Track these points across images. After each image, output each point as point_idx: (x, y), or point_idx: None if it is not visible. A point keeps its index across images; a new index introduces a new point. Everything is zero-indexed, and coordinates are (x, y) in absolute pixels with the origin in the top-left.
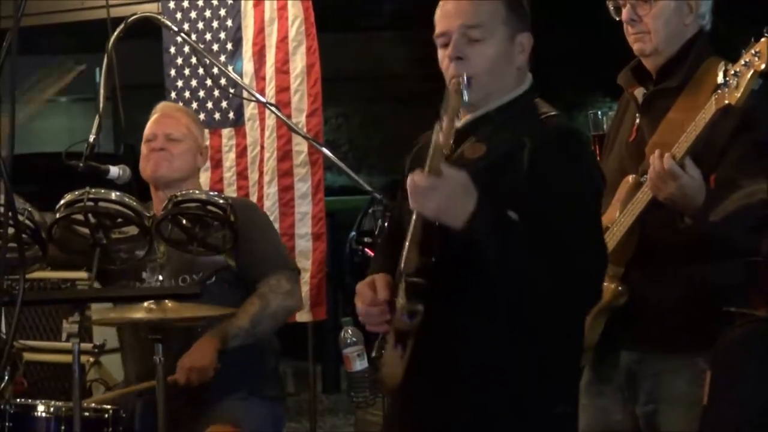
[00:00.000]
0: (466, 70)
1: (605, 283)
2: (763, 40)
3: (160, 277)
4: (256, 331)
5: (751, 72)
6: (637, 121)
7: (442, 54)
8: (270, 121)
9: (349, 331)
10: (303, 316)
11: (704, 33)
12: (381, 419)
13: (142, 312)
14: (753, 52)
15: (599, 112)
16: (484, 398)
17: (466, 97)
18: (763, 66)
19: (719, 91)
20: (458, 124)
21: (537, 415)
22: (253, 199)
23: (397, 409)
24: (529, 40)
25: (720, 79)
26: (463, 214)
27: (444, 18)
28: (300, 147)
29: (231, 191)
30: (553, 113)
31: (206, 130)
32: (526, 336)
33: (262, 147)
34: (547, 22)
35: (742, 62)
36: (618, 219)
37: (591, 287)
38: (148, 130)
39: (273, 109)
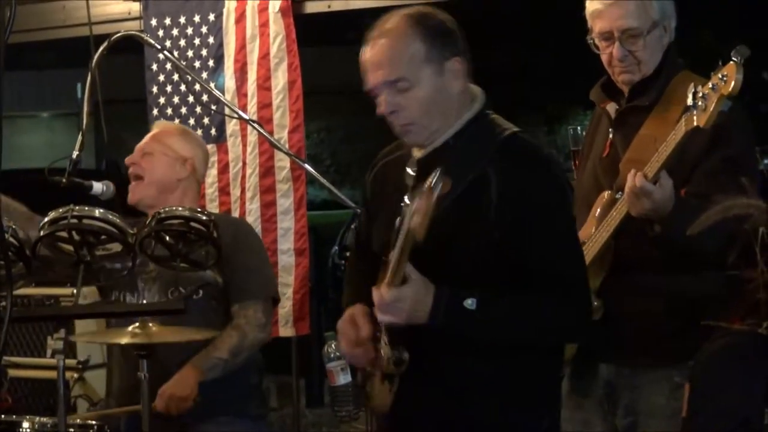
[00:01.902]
0: (403, 120)
1: None
2: (730, 63)
3: (146, 294)
4: (235, 362)
5: (719, 95)
6: (611, 136)
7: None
8: (252, 137)
9: (333, 345)
10: (286, 331)
11: (671, 47)
12: None
13: (126, 337)
14: (720, 75)
15: (579, 128)
16: (471, 420)
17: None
18: (729, 89)
19: (688, 113)
20: (419, 155)
21: None
22: (235, 215)
23: (385, 428)
24: (461, 62)
25: (689, 101)
26: (427, 310)
27: (366, 74)
28: (282, 163)
29: (213, 207)
30: (510, 132)
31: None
32: (513, 361)
33: (244, 163)
34: (528, 38)
35: (710, 85)
36: (594, 234)
37: (588, 311)
38: None
39: (255, 125)
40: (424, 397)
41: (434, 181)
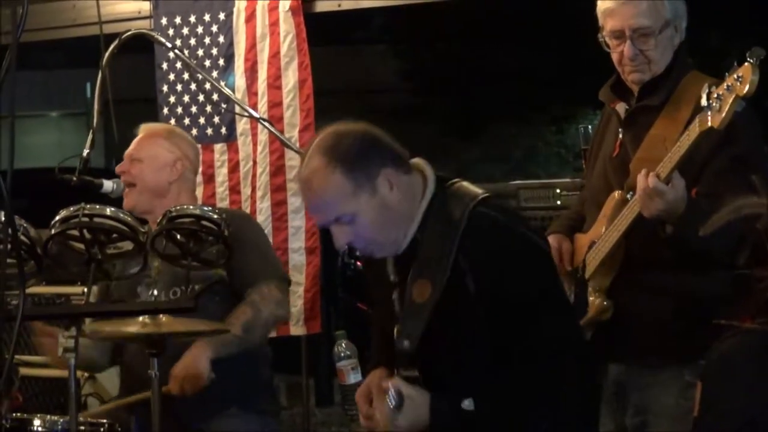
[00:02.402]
0: (362, 246)
1: (591, 298)
2: (746, 65)
3: (155, 292)
4: (248, 338)
5: (734, 96)
6: (620, 136)
7: None
8: (262, 136)
9: (343, 344)
10: (297, 330)
11: (682, 47)
12: None
13: (136, 327)
14: (736, 76)
15: (589, 126)
16: None
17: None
18: (745, 91)
19: (702, 113)
20: (393, 265)
21: None
22: None
23: None
24: (391, 170)
25: (703, 101)
26: (426, 421)
27: (313, 215)
28: (293, 162)
29: (224, 206)
30: (472, 205)
31: (199, 145)
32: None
33: (255, 162)
34: (536, 38)
35: (725, 86)
36: (604, 234)
37: (576, 378)
38: None
39: (266, 124)
40: None
41: (393, 402)
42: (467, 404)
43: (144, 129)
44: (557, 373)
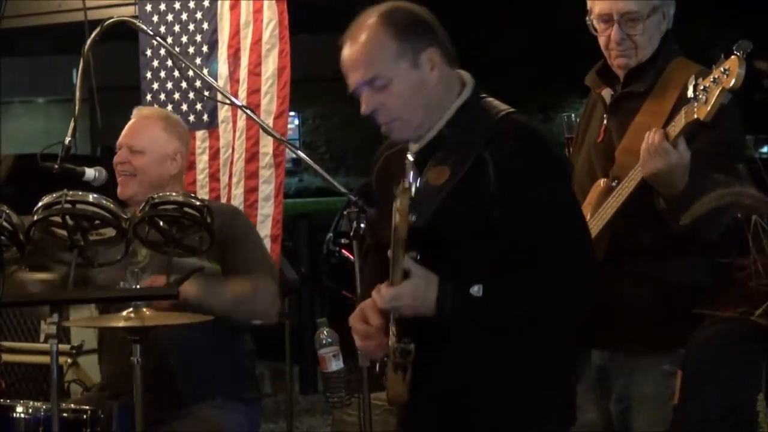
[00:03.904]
0: (386, 118)
1: None
2: (732, 57)
3: (139, 284)
4: (232, 310)
5: (720, 89)
6: (605, 122)
7: None
8: (241, 122)
9: (325, 332)
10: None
11: (669, 34)
12: (357, 419)
13: (120, 320)
14: (722, 69)
15: (573, 115)
16: (484, 409)
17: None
18: (731, 84)
19: (689, 105)
20: (415, 148)
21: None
22: (223, 200)
23: (407, 419)
24: (438, 52)
25: (690, 93)
26: (432, 302)
27: (347, 76)
28: (266, 149)
29: (203, 193)
30: (505, 112)
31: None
32: (525, 353)
33: (233, 149)
34: (522, 25)
35: (712, 78)
36: (588, 222)
37: (594, 277)
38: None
39: (249, 112)
40: (436, 386)
41: (410, 177)
42: (476, 290)
43: (140, 115)
44: (569, 281)
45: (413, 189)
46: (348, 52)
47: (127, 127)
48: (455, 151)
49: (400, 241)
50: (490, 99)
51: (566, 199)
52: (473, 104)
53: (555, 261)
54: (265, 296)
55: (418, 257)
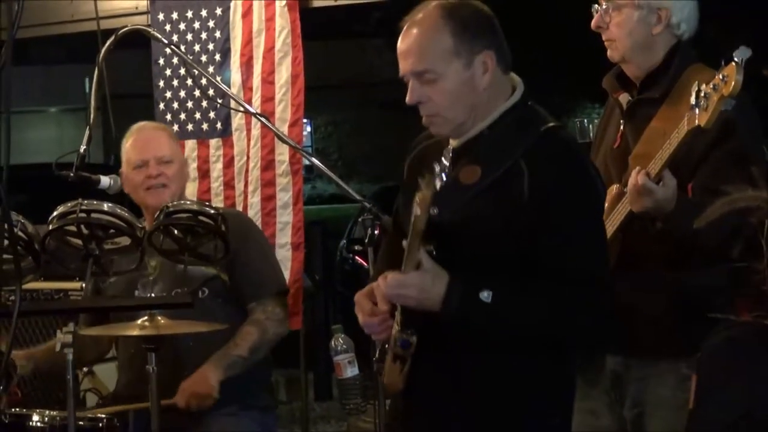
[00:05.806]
0: (428, 111)
1: None
2: (731, 64)
3: (153, 295)
4: (253, 358)
5: (719, 95)
6: (621, 127)
7: None
8: (255, 131)
9: (340, 338)
10: None
11: (684, 42)
12: (373, 426)
13: (135, 329)
14: (721, 76)
15: (585, 120)
16: (481, 410)
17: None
18: (729, 90)
19: (691, 112)
20: (454, 144)
21: (534, 427)
22: (239, 209)
23: (398, 412)
24: (492, 56)
25: (693, 99)
26: (439, 298)
27: (399, 60)
28: (282, 156)
29: (218, 201)
30: (548, 126)
31: (194, 141)
32: (526, 353)
33: (248, 157)
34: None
35: (711, 86)
36: None
37: (607, 313)
38: (133, 155)
39: (263, 120)
40: (433, 382)
41: (437, 172)
42: (485, 296)
43: (148, 128)
44: (581, 309)
45: (437, 182)
46: (404, 39)
47: (142, 141)
48: (491, 154)
49: (418, 233)
50: (538, 107)
51: (595, 228)
52: (519, 110)
53: (572, 287)
54: (273, 328)
55: (434, 252)
